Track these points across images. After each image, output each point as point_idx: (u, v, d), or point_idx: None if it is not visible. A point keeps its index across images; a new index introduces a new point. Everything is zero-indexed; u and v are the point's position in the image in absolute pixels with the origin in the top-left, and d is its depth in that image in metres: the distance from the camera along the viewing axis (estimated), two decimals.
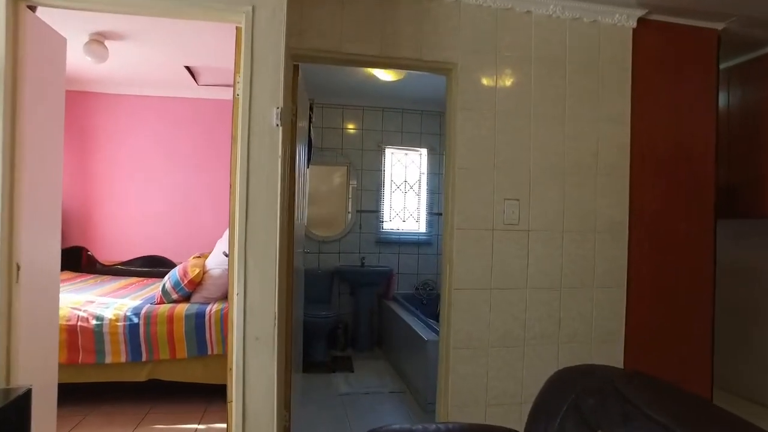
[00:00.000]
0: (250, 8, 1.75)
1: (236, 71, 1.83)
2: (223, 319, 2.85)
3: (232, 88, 1.86)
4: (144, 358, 2.81)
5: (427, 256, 4.80)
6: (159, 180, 4.44)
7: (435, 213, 4.80)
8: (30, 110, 1.78)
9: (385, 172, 4.74)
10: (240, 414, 1.73)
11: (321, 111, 4.55)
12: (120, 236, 4.39)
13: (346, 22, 2.24)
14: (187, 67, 3.84)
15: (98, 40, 2.96)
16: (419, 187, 4.85)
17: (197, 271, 3.08)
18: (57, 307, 2.14)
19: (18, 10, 1.70)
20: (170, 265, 4.23)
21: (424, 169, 4.82)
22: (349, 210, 4.69)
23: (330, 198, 4.71)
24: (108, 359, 2.76)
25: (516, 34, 2.40)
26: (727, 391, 2.95)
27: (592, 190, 2.49)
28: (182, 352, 2.86)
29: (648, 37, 2.52)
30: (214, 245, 3.56)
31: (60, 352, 2.66)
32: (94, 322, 2.76)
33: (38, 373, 1.87)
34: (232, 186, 1.79)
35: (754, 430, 0.94)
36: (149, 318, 2.85)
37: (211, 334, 2.87)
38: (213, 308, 2.95)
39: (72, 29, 2.86)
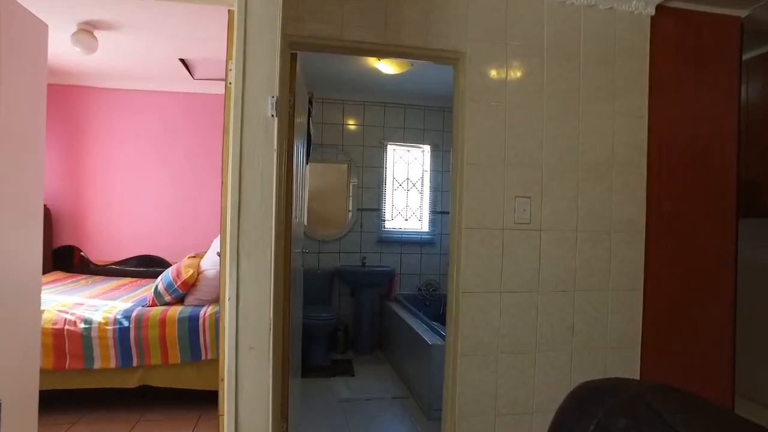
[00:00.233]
0: None
1: (228, 58, 1.70)
2: (218, 323, 2.71)
3: None
4: (135, 364, 2.68)
5: (430, 255, 4.66)
6: (154, 177, 4.31)
7: (438, 211, 4.67)
8: (5, 100, 1.64)
9: (387, 170, 4.60)
10: (232, 429, 1.59)
11: (321, 106, 4.41)
12: (113, 235, 4.26)
13: (347, 7, 2.10)
14: (182, 60, 3.70)
15: (87, 30, 2.82)
16: (422, 184, 4.71)
17: (191, 272, 2.95)
18: (39, 311, 2.01)
19: None
20: (165, 265, 4.10)
21: (427, 166, 4.69)
22: (350, 208, 4.55)
23: (330, 196, 4.58)
24: (97, 365, 2.62)
25: (527, 22, 2.27)
26: (748, 398, 2.81)
27: (608, 188, 2.35)
28: (175, 357, 2.72)
29: (667, 25, 2.38)
30: (210, 244, 3.43)
31: (46, 358, 2.54)
32: (82, 325, 2.62)
33: (15, 381, 1.74)
34: (223, 181, 1.65)
35: None
36: (140, 321, 2.71)
37: (205, 338, 2.74)
38: (207, 311, 2.81)
39: (59, 18, 2.72)
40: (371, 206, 4.55)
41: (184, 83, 4.20)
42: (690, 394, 1.18)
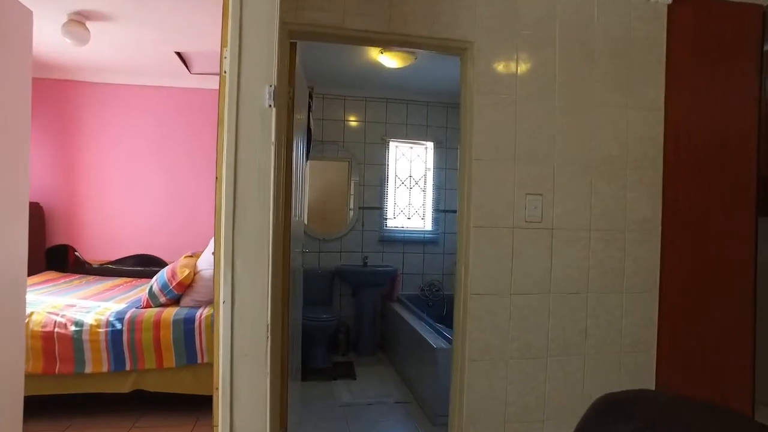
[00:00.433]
0: None
1: (223, 45, 1.59)
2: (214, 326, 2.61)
3: None
4: (128, 368, 2.58)
5: (433, 255, 4.56)
6: (150, 174, 4.21)
7: (441, 210, 4.56)
8: None
9: (389, 167, 4.49)
10: None
11: (321, 102, 4.31)
12: (109, 234, 4.16)
13: None
14: (179, 54, 3.59)
15: (78, 20, 2.72)
16: (425, 182, 4.60)
17: (187, 272, 2.84)
18: (23, 312, 1.91)
19: None
20: (162, 264, 4.00)
21: (430, 163, 4.58)
22: (351, 207, 4.45)
23: (331, 194, 4.47)
24: (88, 369, 2.52)
25: (538, 10, 2.16)
26: (766, 405, 2.71)
27: (622, 185, 2.24)
28: (170, 360, 2.62)
29: (684, 14, 2.27)
30: (207, 243, 3.32)
31: (35, 362, 2.44)
32: (72, 328, 2.52)
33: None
34: (217, 176, 1.55)
35: None
36: (134, 323, 2.61)
37: (201, 341, 2.63)
38: (203, 313, 2.71)
39: (48, 7, 2.62)
40: (373, 204, 4.44)
41: (181, 78, 4.09)
42: (730, 410, 1.08)
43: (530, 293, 2.16)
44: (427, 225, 4.58)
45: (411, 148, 4.58)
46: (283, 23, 1.74)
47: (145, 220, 4.22)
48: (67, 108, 4.05)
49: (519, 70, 2.15)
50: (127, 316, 2.63)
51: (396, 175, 4.55)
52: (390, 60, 3.32)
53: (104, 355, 2.55)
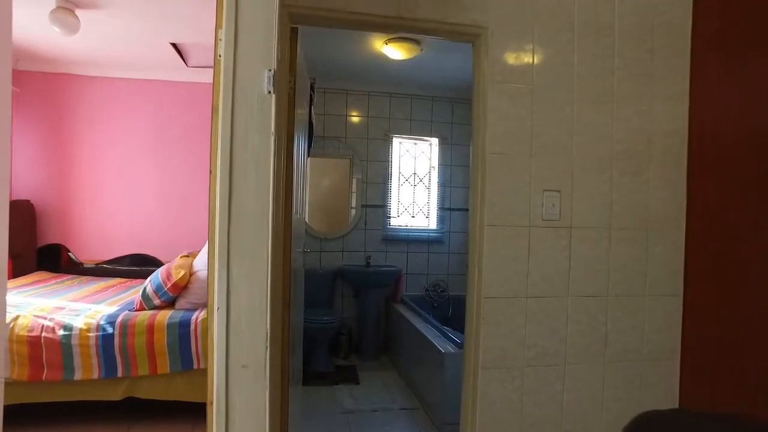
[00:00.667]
0: None
1: (218, 26, 1.45)
2: None
3: None
4: (120, 374, 2.44)
5: (438, 255, 4.42)
6: (147, 171, 4.07)
7: (446, 208, 4.42)
8: None
9: (393, 164, 4.35)
10: None
11: (323, 96, 4.17)
12: (103, 233, 4.02)
13: None
14: (175, 46, 3.45)
15: (67, 7, 2.57)
16: (429, 179, 4.46)
17: (182, 273, 2.71)
18: (3, 315, 1.76)
19: None
20: (159, 264, 3.86)
21: (435, 160, 4.44)
22: (353, 205, 4.31)
23: (332, 191, 4.33)
24: (77, 375, 2.38)
25: None
26: None
27: (644, 181, 2.11)
28: (164, 366, 2.48)
29: None
30: (205, 243, 3.18)
31: (20, 368, 2.31)
32: (60, 332, 2.38)
33: None
34: (211, 170, 1.41)
35: None
36: (126, 327, 2.47)
37: (197, 345, 2.50)
38: (200, 316, 2.57)
39: None
40: (376, 202, 4.31)
41: (178, 71, 3.95)
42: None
43: (547, 296, 2.02)
44: (432, 224, 4.45)
45: (415, 144, 4.44)
46: (282, 5, 1.60)
47: (141, 219, 4.08)
48: (59, 102, 3.90)
49: (535, 59, 2.01)
50: (119, 319, 2.50)
51: (400, 172, 4.40)
52: (395, 51, 3.18)
53: (94, 361, 2.41)
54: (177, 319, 2.55)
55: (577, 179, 2.04)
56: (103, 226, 4.02)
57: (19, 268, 3.49)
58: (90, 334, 2.41)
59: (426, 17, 1.92)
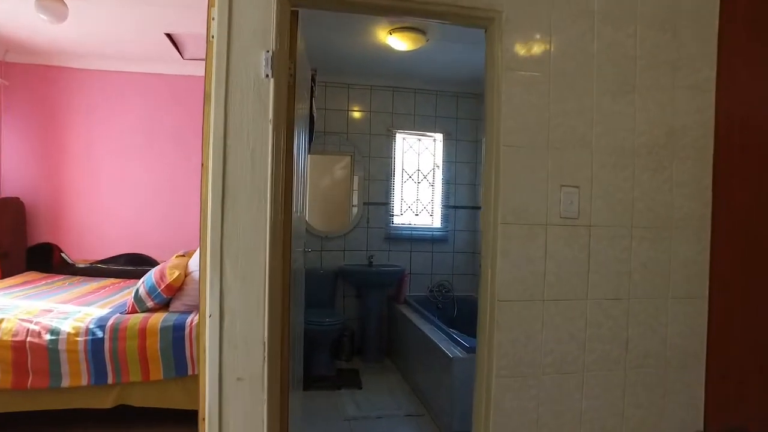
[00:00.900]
0: None
1: (210, 4, 1.32)
2: None
3: None
4: (110, 381, 2.31)
5: (443, 254, 4.29)
6: (142, 167, 3.93)
7: (451, 206, 4.29)
8: None
9: (396, 160, 4.22)
10: None
11: (323, 91, 4.03)
12: (96, 231, 3.89)
13: None
14: (169, 36, 3.32)
15: None
16: (433, 176, 4.33)
17: (177, 273, 2.58)
18: None
19: None
20: (154, 264, 3.74)
21: (440, 156, 4.30)
22: (355, 203, 4.18)
23: (333, 189, 4.20)
24: (65, 383, 2.25)
25: None
26: None
27: (668, 177, 1.97)
28: (157, 372, 2.36)
29: None
30: None
31: (3, 375, 2.19)
32: (47, 337, 2.25)
33: None
34: (203, 163, 1.28)
35: None
36: (117, 331, 2.34)
37: (192, 350, 2.37)
38: (195, 319, 2.44)
39: None
40: (378, 200, 4.17)
41: (173, 64, 3.82)
42: None
43: (564, 299, 1.89)
44: (436, 222, 4.32)
45: (419, 140, 4.31)
46: None
47: (136, 216, 3.95)
48: (51, 95, 3.77)
49: (552, 45, 1.87)
50: (110, 322, 2.37)
51: (403, 169, 4.27)
52: (400, 42, 3.05)
53: (83, 367, 2.28)
54: (171, 323, 2.42)
55: (597, 174, 1.91)
56: (96, 224, 3.89)
57: (7, 268, 3.36)
58: (78, 339, 2.28)
59: (436, 0, 1.78)
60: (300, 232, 2.28)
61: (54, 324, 2.31)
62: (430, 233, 4.28)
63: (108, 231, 3.91)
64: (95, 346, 2.30)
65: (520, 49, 1.85)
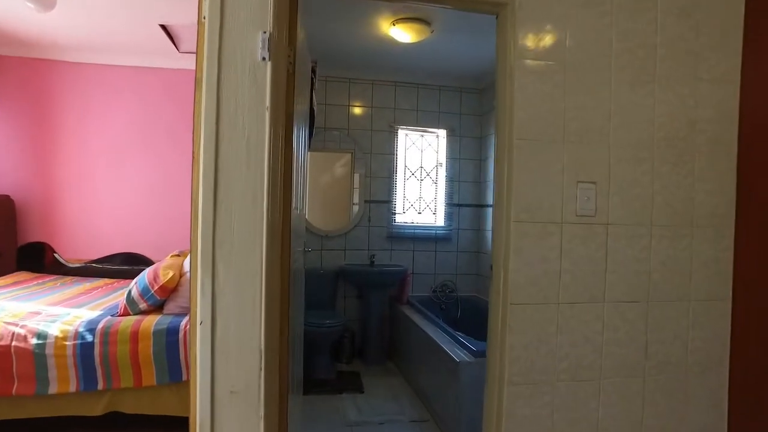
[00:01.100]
0: None
1: None
2: None
3: None
4: (100, 387, 2.20)
5: (446, 253, 4.18)
6: (137, 164, 3.82)
7: (455, 204, 4.18)
8: None
9: (398, 157, 4.10)
10: None
11: (323, 85, 3.92)
12: (90, 230, 3.77)
13: None
14: (164, 28, 3.20)
15: None
16: (437, 174, 4.22)
17: (171, 274, 2.47)
18: None
19: None
20: (149, 263, 3.62)
21: (443, 153, 4.19)
22: (356, 201, 4.06)
23: (333, 186, 4.09)
24: (52, 389, 2.14)
25: None
26: None
27: (689, 172, 1.87)
28: (150, 378, 2.25)
29: None
30: None
31: None
32: (33, 341, 2.14)
33: None
34: (194, 155, 1.17)
35: None
36: (107, 335, 2.23)
37: (187, 354, 2.25)
38: (189, 322, 2.33)
39: None
40: (380, 198, 4.06)
41: (169, 58, 3.70)
42: None
43: (580, 302, 1.79)
44: (440, 220, 4.20)
45: (422, 136, 4.19)
46: None
47: (131, 215, 3.84)
48: (42, 90, 3.65)
49: (568, 33, 1.77)
50: (100, 326, 2.26)
51: (405, 166, 4.16)
52: (403, 33, 2.93)
53: (72, 373, 2.17)
54: (164, 326, 2.31)
55: (614, 169, 1.80)
56: (89, 222, 3.77)
57: None
58: (67, 343, 2.17)
59: None
60: (300, 230, 2.17)
61: (41, 327, 2.19)
62: (434, 232, 4.17)
63: (102, 230, 3.80)
64: (84, 350, 2.19)
65: (534, 37, 1.74)
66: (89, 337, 2.21)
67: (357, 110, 4.03)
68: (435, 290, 4.09)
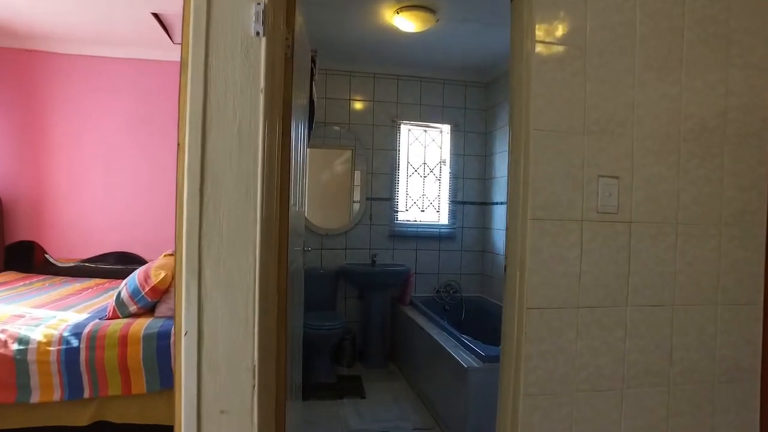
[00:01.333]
0: None
1: None
2: None
3: None
4: (87, 395, 2.07)
5: (450, 252, 4.05)
6: (130, 160, 3.68)
7: (459, 201, 4.05)
8: None
9: (401, 153, 3.97)
10: None
11: (323, 79, 3.78)
12: (82, 229, 3.63)
13: None
14: (157, 17, 3.06)
15: None
16: (440, 170, 4.08)
17: (163, 275, 2.33)
18: None
19: None
20: (143, 263, 3.49)
21: (447, 149, 4.06)
22: (357, 198, 3.93)
23: (333, 183, 3.95)
24: (35, 398, 2.01)
25: None
26: None
27: (718, 166, 1.73)
28: (139, 385, 2.12)
29: None
30: None
31: None
32: (14, 346, 2.01)
33: None
34: (179, 143, 1.03)
35: None
36: (94, 339, 2.10)
37: None
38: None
39: None
40: (382, 195, 3.93)
41: (163, 49, 3.56)
42: None
43: (601, 306, 1.65)
44: (443, 218, 4.07)
45: (425, 131, 4.06)
46: None
47: (125, 212, 3.70)
48: (32, 82, 3.51)
49: (589, 14, 1.63)
50: (87, 330, 2.12)
51: (408, 163, 4.03)
52: (407, 22, 2.80)
53: (56, 380, 2.04)
54: (155, 329, 2.18)
55: (639, 163, 1.67)
56: (82, 220, 3.63)
57: None
58: (51, 348, 2.04)
59: None
60: (298, 228, 2.04)
61: (23, 332, 2.06)
62: (437, 230, 4.03)
63: (94, 228, 3.66)
64: (69, 356, 2.05)
65: (552, 20, 1.61)
66: (75, 342, 2.08)
67: (358, 104, 3.90)
68: (438, 291, 3.96)
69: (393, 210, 3.94)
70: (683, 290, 1.72)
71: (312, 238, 3.78)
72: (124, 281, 2.43)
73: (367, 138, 3.90)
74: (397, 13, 2.77)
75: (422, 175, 4.05)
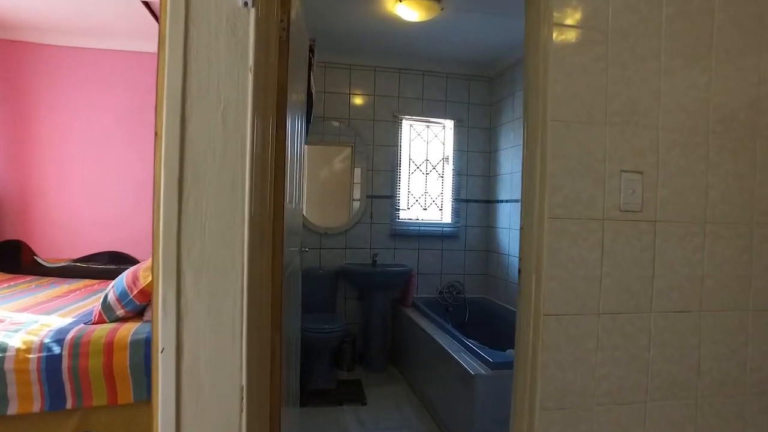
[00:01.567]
0: None
1: None
2: None
3: None
4: (69, 405, 1.93)
5: (453, 252, 3.92)
6: (122, 156, 3.54)
7: (462, 199, 3.92)
8: None
9: (402, 149, 3.84)
10: None
11: (322, 72, 3.65)
12: (71, 228, 3.50)
13: None
14: (148, 6, 2.92)
15: None
16: (443, 167, 3.95)
17: (151, 276, 2.19)
18: None
19: None
20: (135, 263, 3.35)
21: (450, 145, 3.92)
22: (357, 196, 3.80)
23: (333, 180, 3.82)
24: (12, 409, 1.87)
25: None
26: None
27: (749, 160, 1.61)
28: (126, 394, 1.98)
29: None
30: None
31: None
32: None
33: None
34: (157, 132, 0.90)
35: None
36: (78, 346, 1.96)
37: None
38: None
39: None
40: (383, 193, 3.80)
41: (154, 41, 3.40)
42: None
43: (624, 312, 1.53)
44: (446, 217, 3.94)
45: (427, 127, 3.92)
46: None
47: (116, 211, 3.56)
48: (18, 75, 3.37)
49: None
50: (70, 336, 1.99)
51: (410, 159, 3.89)
52: (410, 10, 2.66)
53: (36, 390, 1.90)
54: (143, 335, 2.04)
55: (664, 157, 1.54)
56: (72, 219, 3.50)
57: None
58: (30, 356, 1.90)
59: None
60: (295, 227, 1.91)
61: (0, 338, 1.93)
62: (440, 229, 3.90)
63: (86, 227, 3.52)
64: (51, 364, 1.92)
65: (572, 0, 1.48)
66: (57, 349, 1.94)
67: (358, 99, 3.76)
68: (441, 291, 3.83)
69: (394, 208, 3.80)
70: (712, 295, 1.59)
71: (310, 238, 3.65)
72: (112, 283, 2.30)
73: (368, 134, 3.76)
74: (400, 1, 2.63)
75: (424, 172, 3.92)
